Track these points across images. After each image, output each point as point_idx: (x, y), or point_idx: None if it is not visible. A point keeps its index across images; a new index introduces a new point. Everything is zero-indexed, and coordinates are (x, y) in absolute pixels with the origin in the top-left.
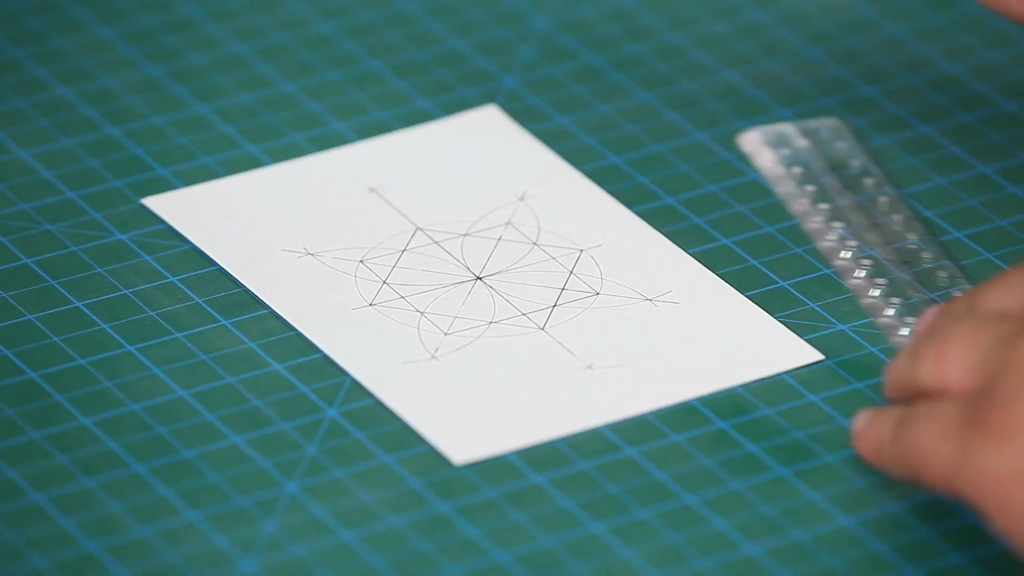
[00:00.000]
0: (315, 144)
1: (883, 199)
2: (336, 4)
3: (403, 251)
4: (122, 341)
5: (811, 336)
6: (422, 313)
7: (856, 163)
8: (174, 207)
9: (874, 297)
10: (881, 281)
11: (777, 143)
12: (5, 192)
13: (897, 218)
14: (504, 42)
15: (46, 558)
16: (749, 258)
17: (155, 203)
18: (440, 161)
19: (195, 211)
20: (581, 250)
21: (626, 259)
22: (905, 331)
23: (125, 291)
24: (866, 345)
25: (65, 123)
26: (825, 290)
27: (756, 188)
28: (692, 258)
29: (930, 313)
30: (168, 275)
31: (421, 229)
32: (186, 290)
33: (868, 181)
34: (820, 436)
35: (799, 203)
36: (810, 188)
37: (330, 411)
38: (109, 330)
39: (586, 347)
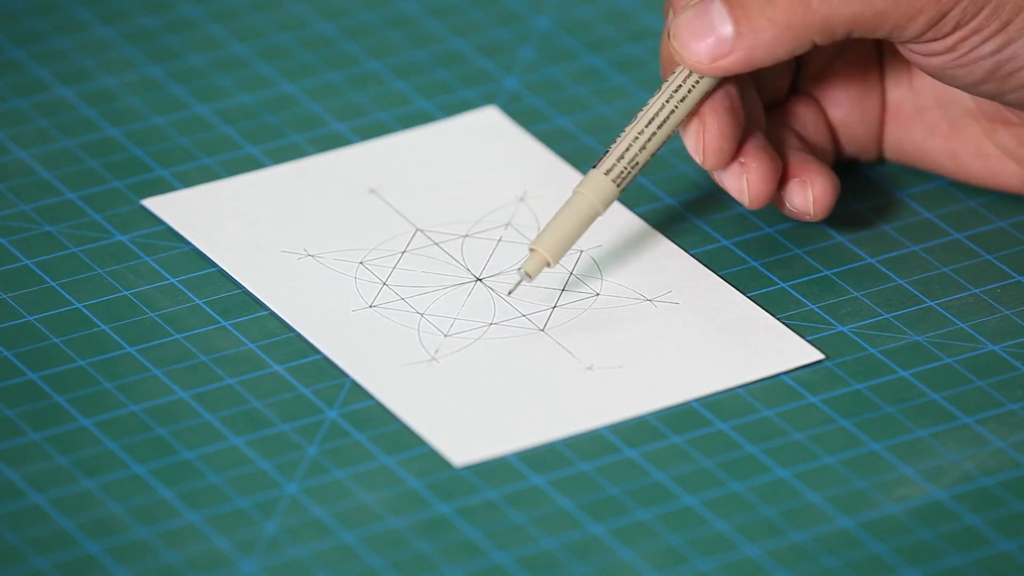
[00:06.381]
0: (315, 145)
1: None
2: (336, 5)
3: (403, 252)
4: (122, 342)
5: (811, 337)
6: (422, 315)
7: None
8: (174, 208)
9: None
10: None
11: None
12: (5, 193)
13: None
14: (504, 43)
15: (47, 559)
16: (749, 259)
17: (155, 204)
18: (440, 162)
19: (195, 212)
20: (581, 251)
21: (626, 260)
22: None
23: (125, 292)
24: (866, 346)
25: (65, 124)
26: (825, 291)
27: None
28: (693, 259)
29: None
30: (168, 276)
31: (421, 230)
32: (186, 291)
33: None
34: (820, 437)
35: None
36: None
37: (330, 412)
38: (109, 331)
39: (586, 348)
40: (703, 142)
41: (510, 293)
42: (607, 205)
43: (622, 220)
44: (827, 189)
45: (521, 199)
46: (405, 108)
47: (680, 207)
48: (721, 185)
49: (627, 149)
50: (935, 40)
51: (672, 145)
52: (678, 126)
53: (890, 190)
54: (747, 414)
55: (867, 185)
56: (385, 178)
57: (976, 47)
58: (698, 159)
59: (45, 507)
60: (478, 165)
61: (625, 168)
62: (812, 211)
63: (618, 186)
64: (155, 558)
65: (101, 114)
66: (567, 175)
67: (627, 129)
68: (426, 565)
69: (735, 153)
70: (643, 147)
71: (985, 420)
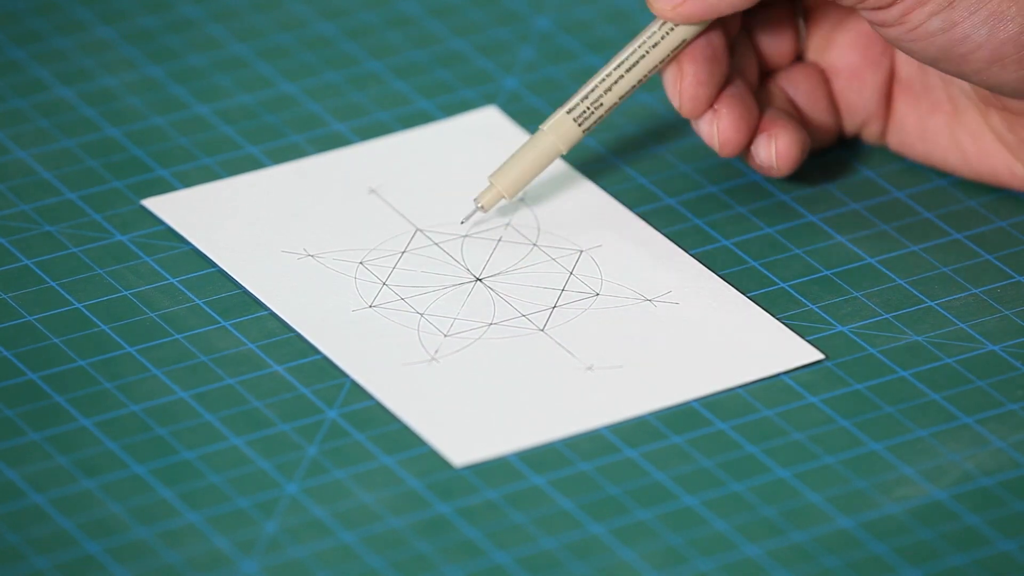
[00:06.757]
0: (315, 145)
1: None
2: (336, 5)
3: (403, 252)
4: (122, 342)
5: (811, 337)
6: (422, 315)
7: None
8: (174, 208)
9: None
10: None
11: None
12: (5, 193)
13: None
14: (504, 43)
15: (47, 559)
16: (749, 259)
17: (155, 204)
18: (440, 162)
19: (195, 212)
20: (581, 251)
21: (626, 260)
22: None
23: (125, 292)
24: (866, 346)
25: (65, 124)
26: (825, 291)
27: (756, 189)
28: (692, 259)
29: None
30: (168, 276)
31: (421, 230)
32: (186, 291)
33: None
34: (820, 437)
35: None
36: None
37: (330, 412)
38: (109, 331)
39: (586, 348)
40: (679, 87)
41: (463, 223)
42: (569, 144)
43: (622, 220)
44: (791, 144)
45: (521, 199)
46: (405, 108)
47: (680, 207)
48: (698, 133)
49: (592, 90)
50: (880, 9)
51: (672, 145)
52: (650, 72)
53: (890, 190)
54: (747, 414)
55: (867, 185)
56: (385, 178)
57: (923, 22)
58: (675, 104)
59: (45, 507)
60: (478, 165)
61: (588, 108)
62: (776, 165)
63: (580, 125)
64: (155, 558)
65: (101, 114)
66: (567, 175)
67: (597, 72)
68: (426, 565)
69: (713, 101)
70: (609, 88)
71: (985, 420)
